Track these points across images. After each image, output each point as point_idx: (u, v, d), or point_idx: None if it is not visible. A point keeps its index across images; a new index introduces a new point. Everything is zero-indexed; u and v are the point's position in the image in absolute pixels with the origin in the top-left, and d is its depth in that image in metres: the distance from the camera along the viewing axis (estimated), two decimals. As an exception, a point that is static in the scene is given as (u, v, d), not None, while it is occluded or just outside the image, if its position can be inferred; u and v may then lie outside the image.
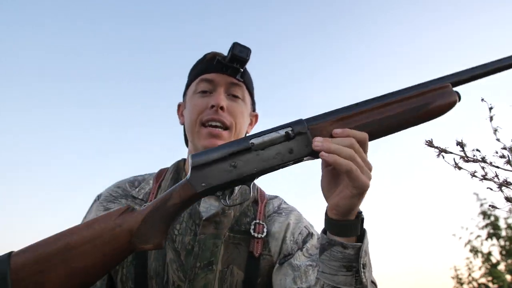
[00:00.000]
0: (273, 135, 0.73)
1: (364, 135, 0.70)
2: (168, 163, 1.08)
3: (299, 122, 0.74)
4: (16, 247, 0.64)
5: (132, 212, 0.71)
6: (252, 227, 0.93)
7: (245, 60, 0.96)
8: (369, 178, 0.68)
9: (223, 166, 0.72)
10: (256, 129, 1.14)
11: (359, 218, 0.71)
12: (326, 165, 0.74)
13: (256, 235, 0.92)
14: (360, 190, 0.67)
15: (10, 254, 0.62)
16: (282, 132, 0.73)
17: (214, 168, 0.72)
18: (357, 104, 0.75)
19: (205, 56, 1.04)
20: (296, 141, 0.72)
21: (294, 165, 0.75)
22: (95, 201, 1.02)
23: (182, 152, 1.14)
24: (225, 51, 0.99)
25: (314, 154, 0.72)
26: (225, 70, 0.99)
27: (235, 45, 0.95)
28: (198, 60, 1.07)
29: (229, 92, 1.00)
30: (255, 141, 0.72)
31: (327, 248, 0.71)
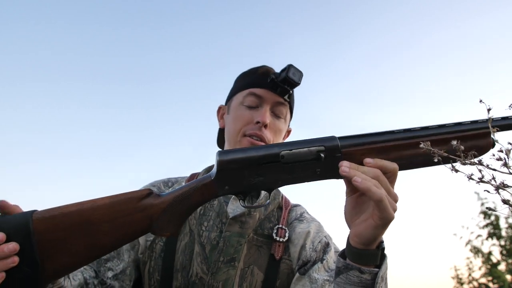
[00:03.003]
0: (304, 151, 0.71)
1: (395, 166, 0.70)
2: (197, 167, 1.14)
3: (332, 140, 0.72)
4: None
5: (153, 198, 0.72)
6: (275, 231, 0.97)
7: (296, 84, 1.02)
8: (395, 209, 0.68)
9: (249, 173, 0.71)
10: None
11: (380, 248, 0.71)
12: (352, 191, 0.73)
13: (278, 239, 0.96)
14: (385, 221, 0.67)
15: (32, 214, 0.64)
16: (313, 150, 0.71)
17: (239, 173, 0.71)
18: (393, 132, 0.73)
19: (257, 68, 1.09)
20: (325, 164, 0.71)
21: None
22: None
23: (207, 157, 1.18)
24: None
25: (339, 176, 0.72)
26: (275, 89, 1.03)
27: (290, 67, 0.99)
28: (249, 70, 1.11)
29: (274, 111, 1.05)
30: (285, 153, 0.71)
31: (343, 272, 0.72)
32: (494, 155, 0.49)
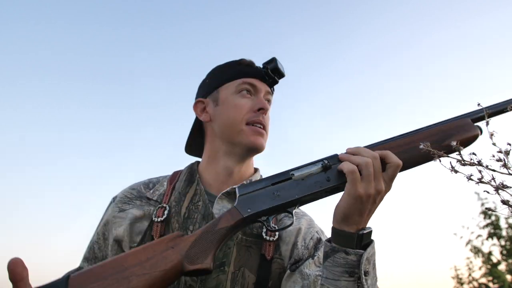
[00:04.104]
0: (311, 167, 0.80)
1: (399, 161, 0.76)
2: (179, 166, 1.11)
3: (334, 156, 0.81)
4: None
5: (183, 236, 0.75)
6: (264, 230, 0.94)
7: (283, 75, 1.07)
8: (367, 191, 0.73)
9: (267, 194, 0.78)
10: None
11: (358, 233, 0.74)
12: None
13: (268, 238, 0.93)
14: (354, 195, 0.73)
15: (68, 276, 0.64)
16: (319, 165, 0.80)
17: (258, 196, 0.78)
18: (383, 141, 0.82)
19: (240, 60, 1.09)
20: (332, 171, 0.79)
21: (333, 195, 0.81)
22: (110, 202, 1.05)
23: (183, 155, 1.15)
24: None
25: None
26: (264, 79, 1.06)
27: (277, 60, 1.05)
28: (230, 62, 1.10)
29: (265, 99, 1.07)
30: (295, 172, 0.79)
31: (330, 255, 0.75)
32: (494, 156, 0.49)
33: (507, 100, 0.84)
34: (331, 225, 0.77)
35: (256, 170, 1.10)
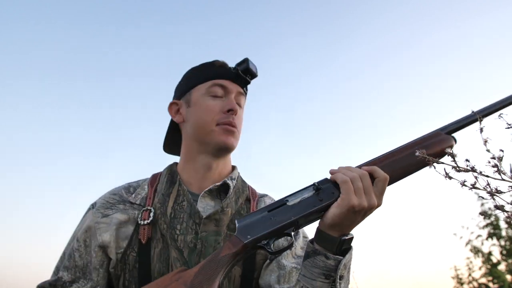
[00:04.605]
0: (304, 192, 0.84)
1: (385, 175, 0.81)
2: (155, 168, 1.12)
3: (324, 180, 0.86)
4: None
5: (186, 270, 0.77)
6: None
7: (255, 75, 1.08)
8: (361, 203, 0.77)
9: (264, 220, 0.82)
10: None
11: (341, 238, 0.78)
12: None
13: None
14: (346, 204, 0.76)
15: None
16: (310, 189, 0.84)
17: (256, 222, 0.82)
18: (367, 161, 0.86)
19: (213, 62, 1.10)
20: (323, 192, 0.83)
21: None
22: (89, 209, 1.03)
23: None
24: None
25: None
26: (236, 80, 1.07)
27: (249, 60, 1.05)
28: (203, 64, 1.11)
29: (236, 100, 1.07)
30: (289, 199, 0.84)
31: (311, 256, 0.80)
32: (489, 162, 0.50)
33: (478, 111, 0.89)
34: (317, 225, 0.82)
35: (234, 167, 1.12)
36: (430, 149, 0.85)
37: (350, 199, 0.76)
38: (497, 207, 0.47)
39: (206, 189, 1.00)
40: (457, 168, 0.49)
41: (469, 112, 0.89)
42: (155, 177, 1.07)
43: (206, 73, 1.08)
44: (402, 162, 0.85)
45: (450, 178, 0.49)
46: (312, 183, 0.85)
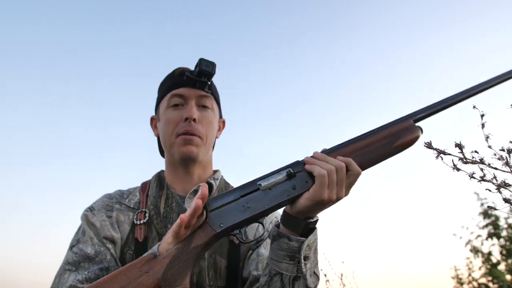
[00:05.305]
0: (277, 176, 0.83)
1: (359, 169, 0.83)
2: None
3: (297, 162, 0.85)
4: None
5: (156, 258, 0.74)
6: None
7: (211, 74, 1.07)
8: (330, 197, 0.79)
9: (237, 207, 0.80)
10: (224, 134, 1.25)
11: (306, 221, 0.81)
12: None
13: None
14: (317, 195, 0.78)
15: None
16: (284, 173, 0.83)
17: (229, 210, 0.80)
18: (341, 144, 0.88)
19: (173, 72, 1.12)
20: (297, 179, 0.83)
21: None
22: (87, 212, 1.04)
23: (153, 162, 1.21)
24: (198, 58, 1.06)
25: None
26: (194, 84, 1.07)
27: (202, 61, 1.04)
28: (166, 76, 1.15)
29: (200, 104, 1.09)
30: (262, 182, 0.83)
31: (276, 239, 0.83)
32: (495, 154, 0.49)
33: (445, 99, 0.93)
34: (285, 209, 0.84)
35: (215, 172, 1.16)
36: (400, 140, 0.88)
37: (322, 193, 0.78)
38: (505, 200, 0.47)
39: (191, 190, 1.03)
40: (464, 160, 0.48)
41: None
42: (145, 185, 1.12)
43: (167, 85, 1.12)
44: (376, 152, 0.87)
45: (458, 170, 0.48)
46: (286, 166, 0.85)
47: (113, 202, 1.06)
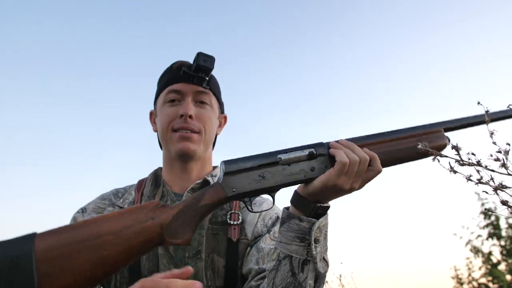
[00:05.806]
0: (299, 153, 0.81)
1: (380, 166, 0.81)
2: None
3: (321, 144, 0.83)
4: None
5: (164, 207, 0.72)
6: (229, 216, 1.00)
7: (209, 69, 1.02)
8: (344, 185, 0.78)
9: (253, 176, 0.79)
10: (226, 130, 1.23)
11: (316, 204, 0.80)
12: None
13: (232, 222, 0.99)
14: (333, 180, 0.77)
15: (34, 235, 0.59)
16: (306, 152, 0.81)
17: (244, 176, 0.78)
18: (369, 136, 0.86)
19: (171, 66, 1.09)
20: (317, 161, 0.81)
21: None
22: (78, 213, 1.04)
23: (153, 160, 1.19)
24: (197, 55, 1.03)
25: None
26: (191, 79, 1.04)
27: (199, 55, 1.00)
28: (165, 70, 1.12)
29: (197, 100, 1.06)
30: (282, 156, 0.81)
31: (286, 221, 0.82)
32: (492, 155, 0.49)
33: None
34: (296, 190, 0.83)
35: (214, 168, 1.13)
36: (430, 144, 0.84)
37: (337, 179, 0.77)
38: (503, 202, 0.46)
39: (189, 188, 1.01)
40: (461, 162, 0.48)
41: (476, 112, 0.90)
42: (141, 183, 1.10)
43: (165, 79, 1.09)
44: (402, 152, 0.86)
45: (455, 172, 0.48)
46: (309, 145, 0.83)
47: (105, 204, 1.05)
